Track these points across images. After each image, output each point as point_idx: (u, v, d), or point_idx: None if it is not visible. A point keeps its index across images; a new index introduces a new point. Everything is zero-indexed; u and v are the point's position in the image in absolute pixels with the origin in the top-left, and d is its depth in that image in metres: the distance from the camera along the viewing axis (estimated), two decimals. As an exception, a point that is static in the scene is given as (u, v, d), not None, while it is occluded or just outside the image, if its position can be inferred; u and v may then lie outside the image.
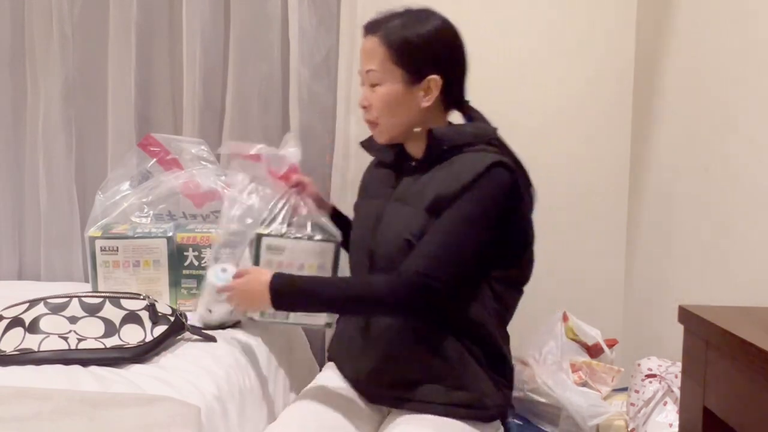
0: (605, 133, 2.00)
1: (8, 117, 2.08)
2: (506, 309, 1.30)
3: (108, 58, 2.02)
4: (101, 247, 1.55)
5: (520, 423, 1.54)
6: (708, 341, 0.99)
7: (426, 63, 1.27)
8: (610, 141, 2.00)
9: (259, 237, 1.43)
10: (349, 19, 1.91)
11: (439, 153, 1.27)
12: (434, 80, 1.27)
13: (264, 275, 1.24)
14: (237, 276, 1.30)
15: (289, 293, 1.23)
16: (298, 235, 1.45)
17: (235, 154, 1.53)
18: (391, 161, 1.38)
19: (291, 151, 1.52)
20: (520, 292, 1.33)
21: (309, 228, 1.47)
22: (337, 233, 1.47)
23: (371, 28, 1.31)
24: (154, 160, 1.69)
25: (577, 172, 2.02)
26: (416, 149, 1.32)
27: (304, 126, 1.95)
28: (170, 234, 1.56)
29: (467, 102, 1.37)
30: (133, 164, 1.72)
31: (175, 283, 1.61)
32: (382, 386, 1.28)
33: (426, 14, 1.30)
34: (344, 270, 1.50)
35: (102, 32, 2.03)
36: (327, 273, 1.44)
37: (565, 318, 1.70)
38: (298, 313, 1.41)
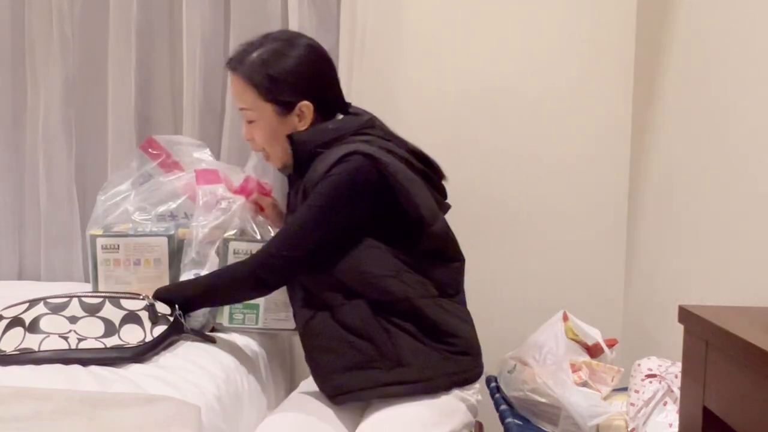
0: (605, 133, 2.00)
1: (8, 117, 2.08)
2: (436, 281, 1.32)
3: (108, 58, 2.02)
4: (102, 245, 1.55)
5: (520, 423, 1.54)
6: (708, 341, 0.99)
7: (294, 94, 1.32)
8: (610, 141, 2.00)
9: (225, 242, 1.50)
10: (349, 19, 1.90)
11: (307, 157, 1.31)
12: (306, 105, 1.32)
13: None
14: None
15: (168, 296, 1.36)
16: (262, 238, 1.51)
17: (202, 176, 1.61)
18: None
19: (246, 168, 1.64)
20: (447, 261, 1.36)
21: (272, 232, 1.53)
22: None
23: (233, 66, 1.34)
24: (155, 162, 1.69)
25: (577, 172, 2.02)
26: None
27: (304, 126, 1.95)
28: (171, 232, 1.56)
29: (348, 103, 1.42)
30: (134, 166, 1.72)
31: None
32: (327, 380, 1.31)
33: (288, 42, 1.33)
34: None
35: (102, 32, 2.02)
36: None
37: (565, 318, 1.70)
38: (268, 318, 1.49)
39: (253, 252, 1.44)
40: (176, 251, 1.56)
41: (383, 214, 1.27)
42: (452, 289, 1.36)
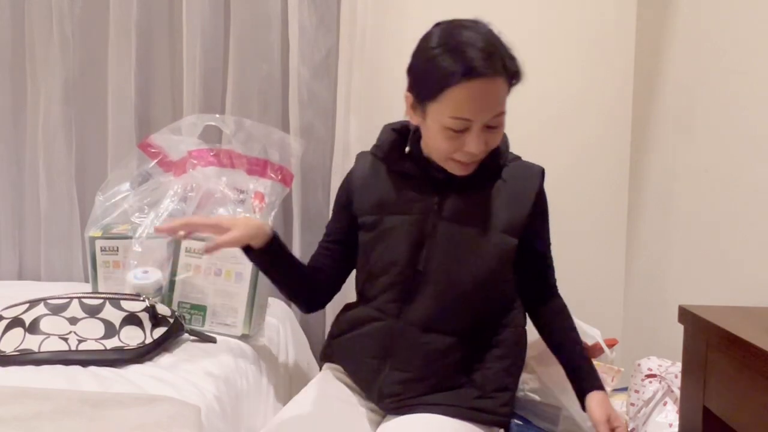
0: (605, 133, 2.00)
1: (8, 117, 2.08)
2: None
3: (108, 58, 2.02)
4: (101, 248, 1.55)
5: (520, 423, 1.54)
6: (708, 341, 0.99)
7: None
8: (610, 141, 2.00)
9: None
10: (349, 19, 1.91)
11: (500, 164, 1.32)
12: None
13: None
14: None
15: None
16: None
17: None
18: (417, 173, 1.26)
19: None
20: None
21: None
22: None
23: (499, 68, 1.16)
24: (155, 161, 1.69)
25: (577, 172, 2.02)
26: None
27: (304, 126, 1.95)
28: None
29: None
30: (133, 165, 1.72)
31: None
32: (402, 397, 1.25)
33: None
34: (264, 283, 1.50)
35: (102, 32, 2.03)
36: (245, 281, 1.46)
37: (565, 318, 1.69)
38: (214, 322, 1.48)
39: (205, 254, 1.43)
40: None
41: None
42: None
